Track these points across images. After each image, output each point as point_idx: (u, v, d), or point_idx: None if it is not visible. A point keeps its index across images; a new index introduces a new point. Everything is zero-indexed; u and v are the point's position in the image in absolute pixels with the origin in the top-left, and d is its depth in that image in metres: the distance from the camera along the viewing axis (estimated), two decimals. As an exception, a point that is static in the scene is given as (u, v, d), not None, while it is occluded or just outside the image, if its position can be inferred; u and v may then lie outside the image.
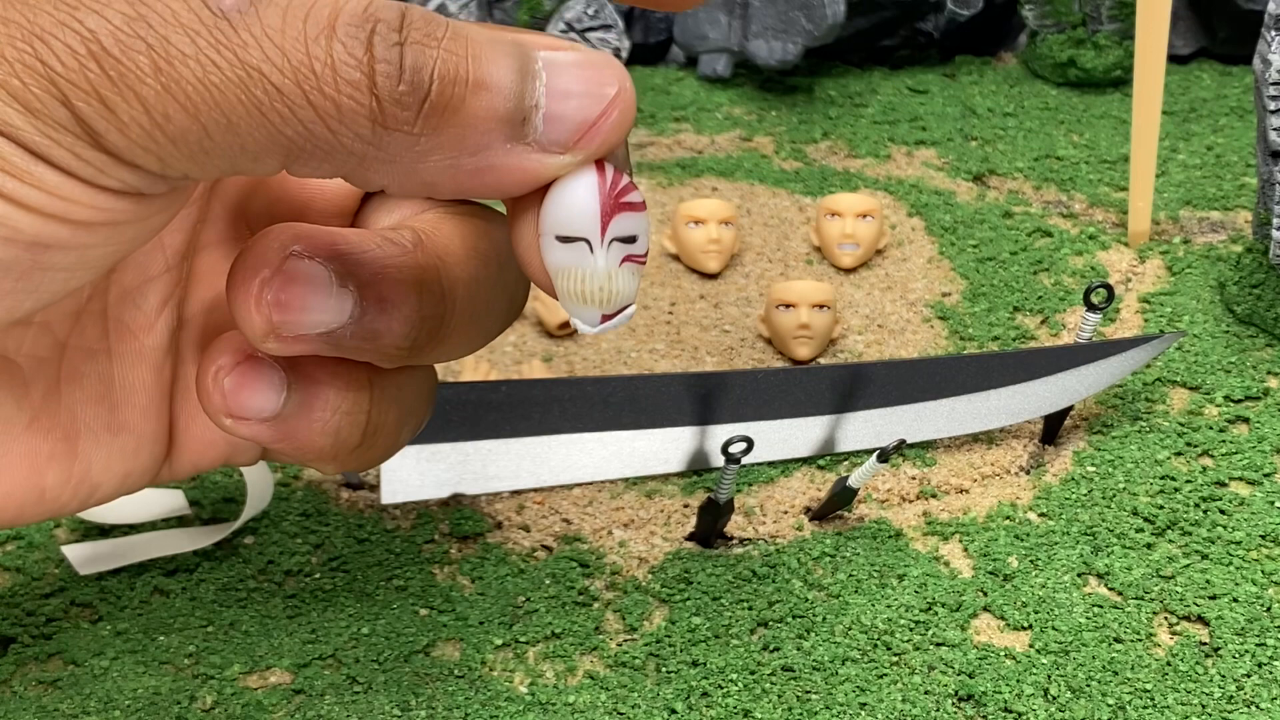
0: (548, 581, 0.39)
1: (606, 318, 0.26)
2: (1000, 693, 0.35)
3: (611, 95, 0.25)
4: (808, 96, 0.65)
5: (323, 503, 0.42)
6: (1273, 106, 0.45)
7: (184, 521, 0.41)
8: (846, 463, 0.44)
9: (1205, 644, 0.37)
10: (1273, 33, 0.45)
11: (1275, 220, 0.46)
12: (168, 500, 0.41)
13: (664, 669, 0.36)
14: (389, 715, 0.35)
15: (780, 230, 0.55)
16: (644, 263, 0.26)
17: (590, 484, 0.43)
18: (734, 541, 0.41)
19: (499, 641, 0.37)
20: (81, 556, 0.39)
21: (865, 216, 0.52)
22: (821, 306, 0.47)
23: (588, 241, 0.25)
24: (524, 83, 0.24)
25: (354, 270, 0.27)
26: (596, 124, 0.25)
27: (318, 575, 0.39)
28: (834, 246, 0.52)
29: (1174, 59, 0.66)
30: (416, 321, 0.27)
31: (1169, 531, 0.40)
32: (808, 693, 0.35)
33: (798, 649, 0.37)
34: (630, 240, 0.25)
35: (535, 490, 0.42)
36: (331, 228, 0.28)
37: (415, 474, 0.42)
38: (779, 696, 0.35)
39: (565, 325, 0.49)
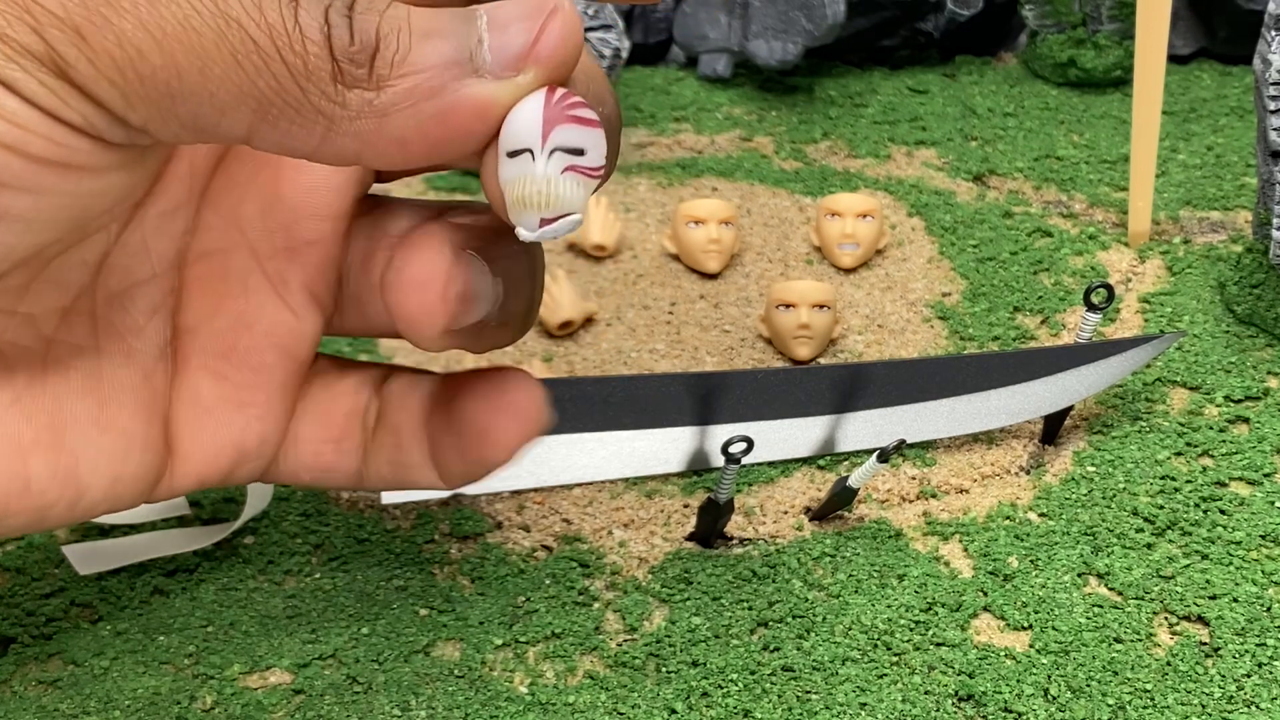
0: (548, 581, 0.39)
1: (546, 222, 0.27)
2: (1000, 693, 0.35)
3: (547, 13, 0.26)
4: (808, 96, 0.65)
5: (323, 503, 0.42)
6: (1273, 106, 0.45)
7: (184, 521, 0.41)
8: (846, 463, 0.44)
9: (1205, 644, 0.37)
10: (1273, 33, 0.45)
11: (1275, 220, 0.46)
12: (168, 500, 0.41)
13: (664, 669, 0.36)
14: (389, 715, 0.35)
15: (780, 230, 0.55)
16: (595, 175, 0.27)
17: (590, 484, 0.43)
18: (734, 541, 0.41)
19: (499, 641, 0.37)
20: (81, 556, 0.39)
21: (865, 216, 0.52)
22: (821, 306, 0.47)
23: (530, 151, 0.26)
24: (465, 24, 0.26)
25: (495, 259, 0.30)
26: (538, 40, 0.26)
27: (318, 575, 0.39)
28: (834, 246, 0.52)
29: (1174, 59, 0.66)
30: (530, 304, 0.31)
31: (1169, 531, 0.40)
32: (808, 693, 0.35)
33: (798, 649, 0.37)
34: (578, 152, 0.27)
35: (535, 490, 0.42)
36: (465, 215, 0.31)
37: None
38: (779, 696, 0.35)
39: (566, 325, 0.49)
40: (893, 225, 0.55)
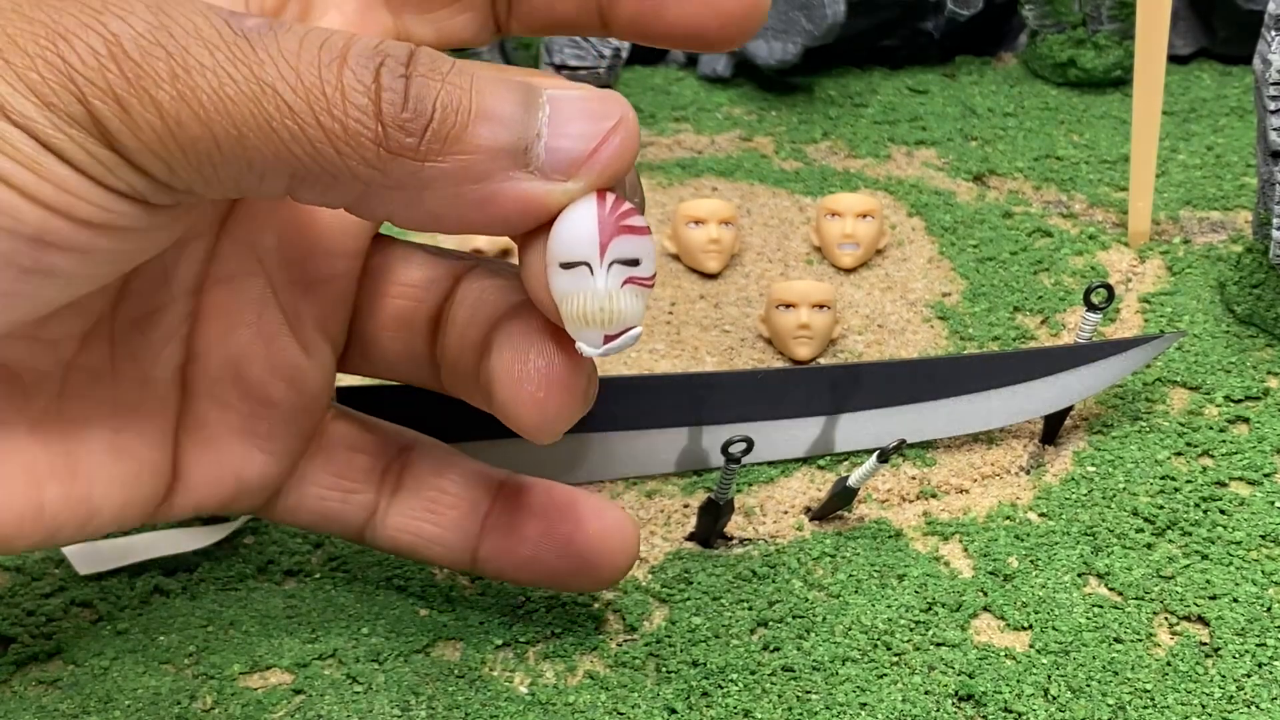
0: (548, 581, 0.39)
1: (609, 339, 0.26)
2: (1000, 693, 0.35)
3: (612, 124, 0.26)
4: (808, 96, 0.65)
5: (323, 503, 0.42)
6: (1273, 106, 0.45)
7: (184, 521, 0.41)
8: (846, 463, 0.44)
9: (1205, 644, 0.37)
10: (1273, 33, 0.45)
11: (1275, 220, 0.46)
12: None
13: (664, 669, 0.36)
14: (389, 715, 0.35)
15: (780, 230, 0.55)
16: (649, 285, 0.26)
17: (590, 484, 0.43)
18: (734, 541, 0.41)
19: (499, 641, 0.37)
20: (81, 556, 0.39)
21: (865, 216, 0.52)
22: (821, 306, 0.47)
23: (588, 265, 0.26)
24: (526, 114, 0.25)
25: None
26: (597, 151, 0.25)
27: (318, 575, 0.39)
28: (834, 246, 0.52)
29: (1174, 59, 0.66)
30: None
31: (1169, 531, 0.40)
32: (808, 693, 0.35)
33: (798, 649, 0.37)
34: (633, 263, 0.26)
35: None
36: (508, 279, 0.31)
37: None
38: (779, 696, 0.35)
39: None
40: (893, 225, 0.55)
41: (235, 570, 0.39)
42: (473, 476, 0.35)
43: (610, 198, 0.26)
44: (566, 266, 0.26)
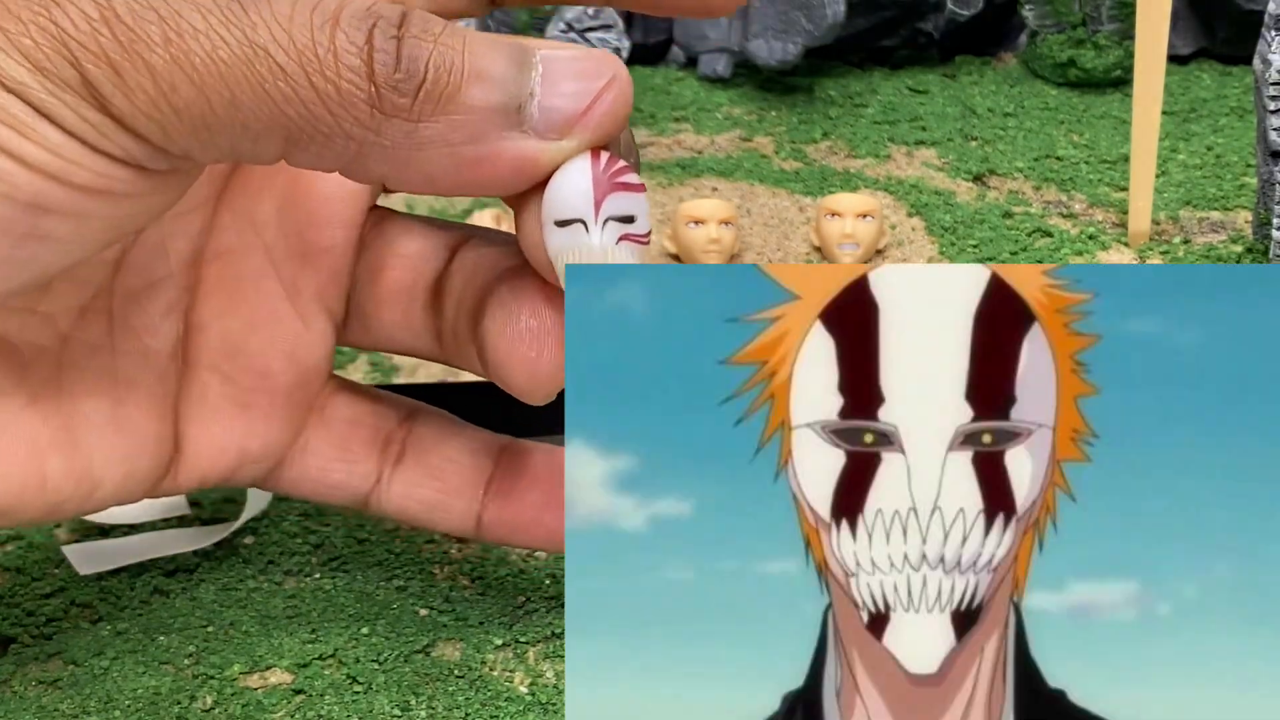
0: (548, 582, 0.39)
1: None
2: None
3: (604, 82, 0.26)
4: (808, 96, 0.65)
5: (323, 503, 0.42)
6: (1273, 106, 0.45)
7: (184, 521, 0.41)
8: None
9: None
10: (1273, 33, 0.45)
11: (1275, 220, 0.46)
12: (168, 500, 0.41)
13: (664, 669, 0.36)
14: (389, 715, 0.35)
15: (780, 230, 0.55)
16: (645, 242, 0.27)
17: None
18: (734, 541, 0.41)
19: (499, 641, 0.37)
20: (81, 556, 0.39)
21: (865, 216, 0.52)
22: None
23: (583, 222, 0.26)
24: (519, 74, 0.25)
25: None
26: (590, 109, 0.25)
27: (318, 575, 0.39)
28: (834, 246, 0.52)
29: (1174, 59, 0.66)
30: None
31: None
32: (808, 693, 0.35)
33: (798, 649, 0.37)
34: (628, 220, 0.26)
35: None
36: (505, 248, 0.31)
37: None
38: (779, 696, 0.35)
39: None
40: (893, 225, 0.55)
41: (235, 570, 0.39)
42: (475, 443, 0.35)
43: (604, 155, 0.26)
44: (561, 224, 0.26)
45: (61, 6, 0.23)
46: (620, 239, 0.26)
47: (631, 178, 0.26)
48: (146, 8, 0.23)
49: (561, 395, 0.28)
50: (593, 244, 0.26)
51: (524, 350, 0.28)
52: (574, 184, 0.26)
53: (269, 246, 0.32)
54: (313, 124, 0.24)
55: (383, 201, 0.34)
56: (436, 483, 0.35)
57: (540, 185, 0.26)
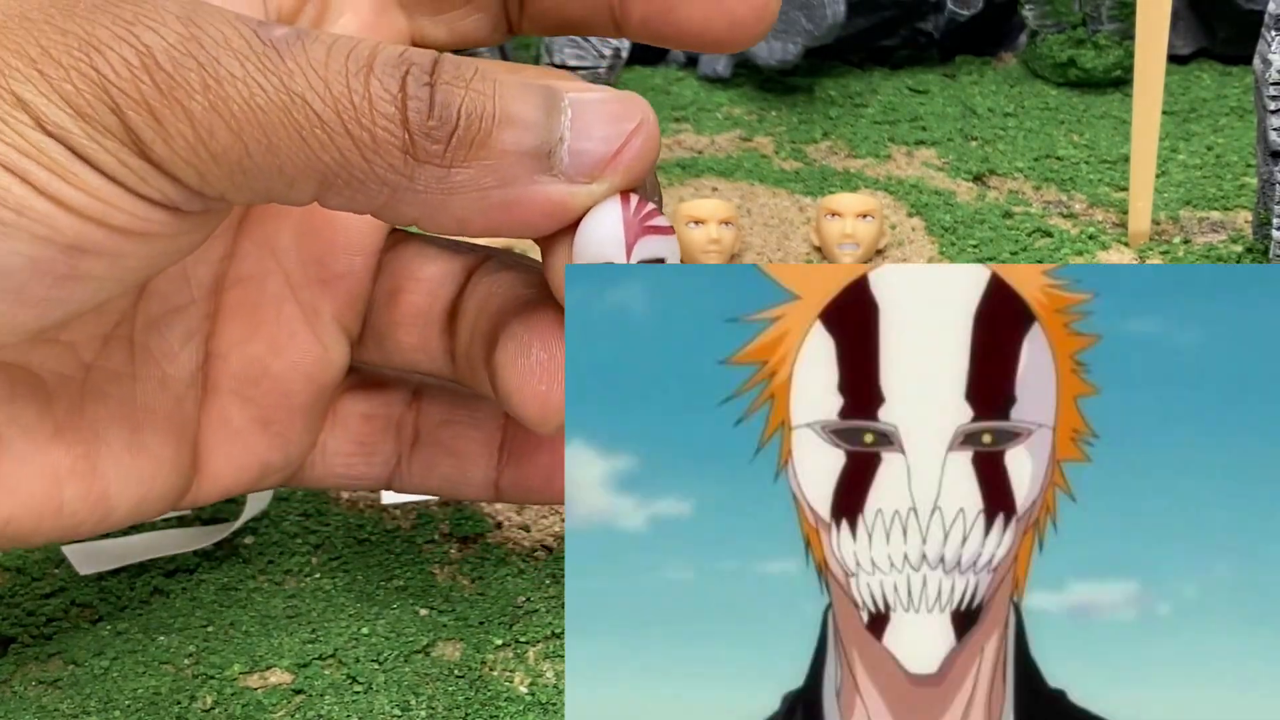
0: (548, 581, 0.39)
1: None
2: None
3: (633, 126, 0.26)
4: (808, 96, 0.65)
5: (323, 503, 0.42)
6: (1273, 106, 0.45)
7: (184, 521, 0.41)
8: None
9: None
10: (1273, 33, 0.45)
11: (1275, 220, 0.46)
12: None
13: (664, 669, 0.36)
14: (389, 715, 0.35)
15: (780, 230, 0.55)
16: None
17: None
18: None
19: (499, 641, 0.37)
20: (81, 556, 0.39)
21: (865, 216, 0.52)
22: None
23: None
24: (549, 118, 0.25)
25: None
26: (619, 154, 0.26)
27: (318, 575, 0.39)
28: (834, 246, 0.52)
29: (1174, 59, 0.66)
30: None
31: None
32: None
33: (798, 649, 0.37)
34: (658, 263, 0.26)
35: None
36: (520, 274, 0.31)
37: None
38: (779, 696, 0.35)
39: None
40: (893, 225, 0.55)
41: (235, 570, 0.39)
42: (482, 411, 0.36)
43: (634, 199, 0.26)
44: None
45: (102, 53, 0.24)
46: None
47: (660, 220, 0.26)
48: (185, 55, 0.24)
49: None
50: None
51: (534, 384, 0.29)
52: (606, 228, 0.26)
53: (288, 273, 0.32)
54: (348, 169, 0.25)
55: None
56: (452, 458, 0.35)
57: (570, 227, 0.26)
